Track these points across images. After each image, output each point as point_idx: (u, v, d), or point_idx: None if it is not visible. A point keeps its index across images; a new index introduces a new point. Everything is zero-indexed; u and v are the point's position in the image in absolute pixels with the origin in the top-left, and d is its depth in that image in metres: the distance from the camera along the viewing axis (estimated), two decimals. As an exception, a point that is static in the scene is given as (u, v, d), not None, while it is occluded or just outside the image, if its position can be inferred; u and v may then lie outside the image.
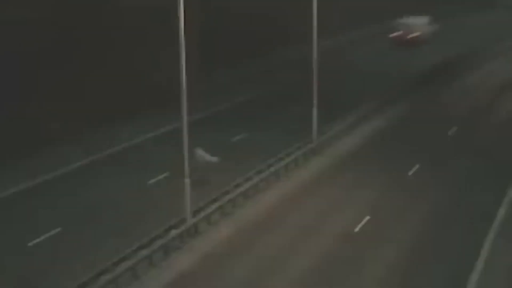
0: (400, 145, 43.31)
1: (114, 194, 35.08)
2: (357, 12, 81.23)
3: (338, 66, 64.92)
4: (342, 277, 26.61)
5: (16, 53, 40.99)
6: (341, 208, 33.39)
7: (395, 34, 76.05)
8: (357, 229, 30.89)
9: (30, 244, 29.57)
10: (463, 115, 50.45)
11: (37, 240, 29.90)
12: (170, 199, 32.90)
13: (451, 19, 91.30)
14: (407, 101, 53.02)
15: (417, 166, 38.97)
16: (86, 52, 45.75)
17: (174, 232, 28.91)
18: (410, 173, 38.14)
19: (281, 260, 27.96)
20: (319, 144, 41.49)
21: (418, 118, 49.53)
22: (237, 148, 40.77)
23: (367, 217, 31.98)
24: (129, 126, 45.58)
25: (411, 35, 75.89)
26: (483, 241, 29.57)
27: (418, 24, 77.20)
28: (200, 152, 35.54)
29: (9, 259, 28.31)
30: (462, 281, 26.28)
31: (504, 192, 35.27)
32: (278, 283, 26.31)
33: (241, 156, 39.70)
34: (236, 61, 60.99)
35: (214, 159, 35.93)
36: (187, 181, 29.44)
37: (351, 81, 61.07)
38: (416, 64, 65.49)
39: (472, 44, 75.29)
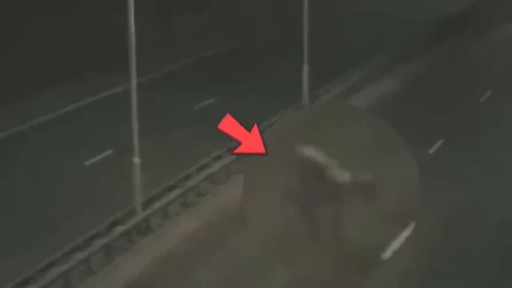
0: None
1: (43, 178, 34.89)
2: None
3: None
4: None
5: None
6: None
7: None
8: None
9: None
10: None
11: None
12: (114, 185, 32.81)
13: None
14: None
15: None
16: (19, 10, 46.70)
17: (119, 229, 28.70)
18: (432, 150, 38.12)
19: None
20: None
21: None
22: (202, 118, 40.54)
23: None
24: (64, 90, 45.48)
25: None
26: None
27: None
28: None
29: None
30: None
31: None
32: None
33: (208, 129, 38.88)
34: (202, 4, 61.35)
35: None
36: (136, 161, 29.06)
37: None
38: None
39: None
